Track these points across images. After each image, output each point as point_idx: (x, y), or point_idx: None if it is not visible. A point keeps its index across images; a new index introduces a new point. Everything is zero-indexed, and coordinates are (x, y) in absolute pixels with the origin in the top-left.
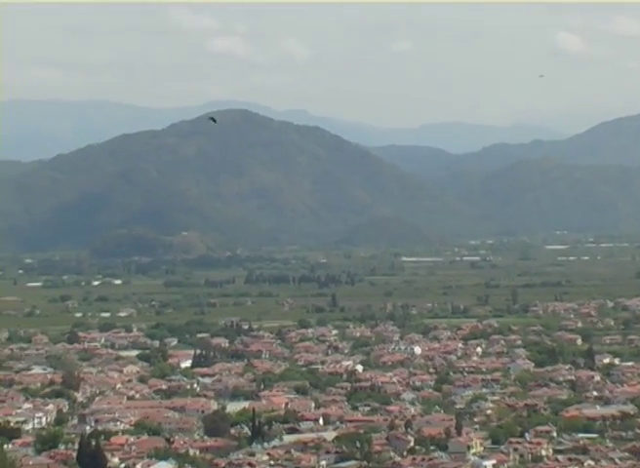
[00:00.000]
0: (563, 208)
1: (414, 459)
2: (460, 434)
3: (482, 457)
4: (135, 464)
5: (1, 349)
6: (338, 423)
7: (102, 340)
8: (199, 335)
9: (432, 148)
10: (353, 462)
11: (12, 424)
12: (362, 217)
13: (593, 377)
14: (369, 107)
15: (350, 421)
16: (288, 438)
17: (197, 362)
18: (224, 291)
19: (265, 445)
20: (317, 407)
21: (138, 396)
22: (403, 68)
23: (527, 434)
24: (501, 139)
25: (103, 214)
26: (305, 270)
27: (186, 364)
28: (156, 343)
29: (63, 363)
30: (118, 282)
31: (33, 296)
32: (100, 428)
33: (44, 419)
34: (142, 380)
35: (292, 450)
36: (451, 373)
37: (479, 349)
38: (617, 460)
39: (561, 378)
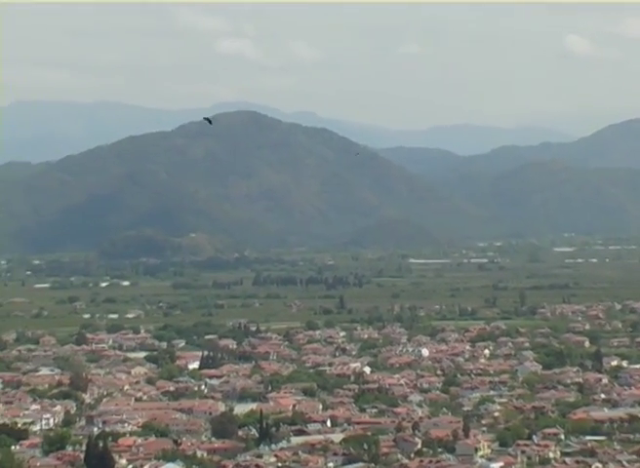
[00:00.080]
0: (571, 210)
1: (421, 461)
2: (467, 436)
3: (489, 460)
4: (142, 466)
5: (9, 350)
6: (345, 425)
7: (110, 342)
8: (207, 337)
9: (440, 150)
10: (361, 464)
11: (19, 425)
12: (370, 219)
13: (601, 380)
14: (377, 109)
15: (358, 423)
16: (295, 440)
17: (205, 363)
18: (232, 292)
19: (273, 446)
20: (325, 408)
21: (145, 397)
22: (411, 70)
23: (534, 436)
24: (510, 141)
25: (112, 215)
26: (313, 272)
27: (194, 365)
28: (164, 345)
29: (71, 364)
30: (126, 283)
31: (41, 298)
32: (107, 429)
33: (52, 421)
34: (150, 382)
35: (299, 452)
36: (458, 376)
37: (487, 351)
38: (624, 463)
39: (569, 381)
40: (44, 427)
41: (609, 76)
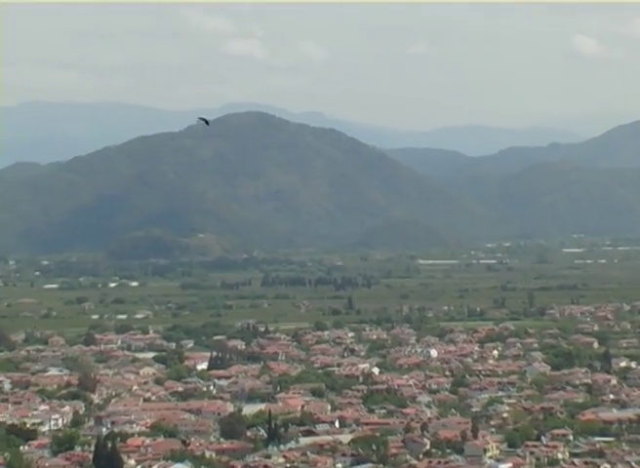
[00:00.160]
0: (580, 211)
1: (430, 462)
2: (476, 437)
3: (498, 461)
4: (151, 466)
5: (18, 351)
6: (354, 426)
7: (119, 342)
8: (215, 338)
9: (449, 151)
10: (369, 465)
11: (28, 426)
12: (378, 220)
13: (610, 381)
14: (385, 110)
15: (366, 424)
16: (304, 440)
17: (213, 364)
18: (241, 293)
19: (281, 447)
20: (333, 409)
21: (154, 398)
22: (420, 71)
23: (543, 437)
24: (518, 142)
25: (120, 216)
26: (322, 272)
27: (202, 366)
28: (172, 345)
29: (80, 365)
30: (135, 284)
31: (50, 298)
32: (116, 430)
33: (60, 421)
34: (159, 382)
35: (308, 453)
36: (467, 376)
37: (495, 352)
38: (633, 464)
39: (577, 382)
40: (53, 427)
41: (617, 76)
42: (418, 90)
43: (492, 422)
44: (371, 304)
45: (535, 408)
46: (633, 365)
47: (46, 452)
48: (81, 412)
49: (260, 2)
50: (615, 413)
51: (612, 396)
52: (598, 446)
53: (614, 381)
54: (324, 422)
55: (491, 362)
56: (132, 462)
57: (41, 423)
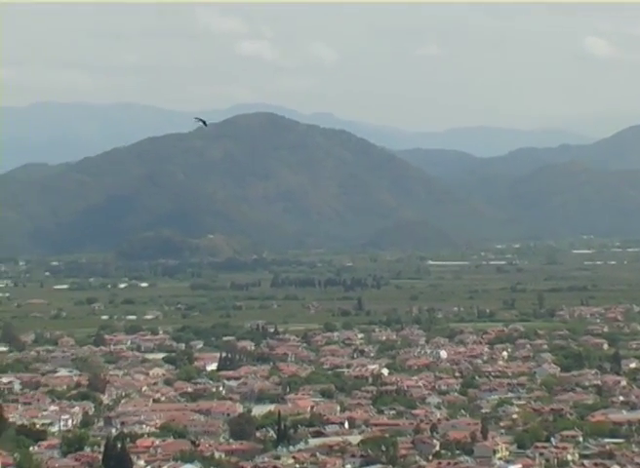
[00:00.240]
0: (590, 212)
1: (439, 463)
2: (485, 438)
3: (508, 462)
4: (160, 467)
5: (28, 351)
6: (363, 427)
7: (128, 343)
8: (225, 338)
9: (459, 152)
10: (378, 466)
11: (38, 426)
12: (388, 221)
13: (619, 382)
14: (395, 111)
15: (376, 425)
16: (313, 441)
17: (223, 365)
18: (250, 294)
19: (291, 448)
20: (343, 410)
21: (163, 399)
22: (429, 72)
23: (553, 439)
24: (528, 144)
25: (130, 216)
26: (331, 273)
27: (212, 367)
28: (182, 346)
29: (89, 365)
30: (144, 284)
31: (60, 299)
32: (125, 431)
33: (70, 422)
34: (168, 383)
35: (317, 454)
36: (477, 378)
37: (505, 353)
38: None
39: (587, 383)
40: (62, 428)
41: (628, 78)
42: (427, 91)
43: (501, 423)
44: (380, 305)
45: (544, 409)
46: None
47: (56, 453)
48: (91, 413)
49: (270, 3)
50: (624, 415)
51: (621, 397)
52: (608, 447)
53: (623, 383)
54: (333, 423)
55: (500, 363)
56: (141, 463)
57: (51, 424)
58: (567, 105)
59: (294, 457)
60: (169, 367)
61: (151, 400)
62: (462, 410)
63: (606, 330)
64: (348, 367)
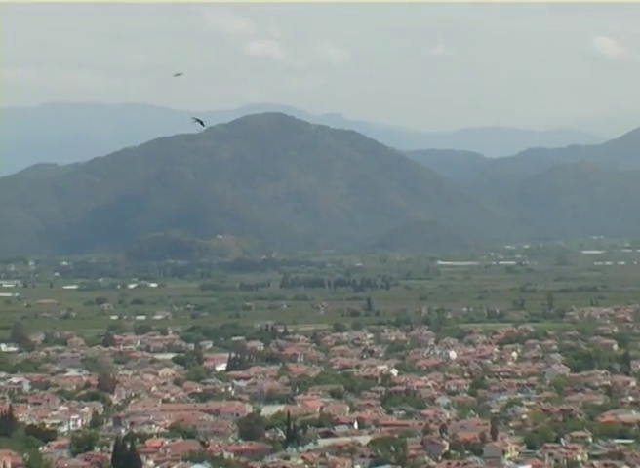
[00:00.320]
0: (600, 212)
1: (448, 464)
2: (495, 439)
3: (517, 462)
4: (170, 467)
5: (37, 351)
6: (372, 427)
7: (138, 343)
8: (234, 339)
9: (469, 152)
10: (388, 466)
11: (47, 426)
12: (398, 221)
13: (629, 383)
14: (405, 111)
15: (385, 425)
16: (323, 442)
17: (232, 365)
18: (260, 294)
19: (300, 448)
20: (352, 410)
21: (173, 399)
22: (440, 72)
23: (562, 439)
24: (538, 144)
25: (140, 217)
26: (341, 274)
27: (221, 367)
28: (191, 346)
29: (99, 365)
30: (154, 285)
31: (69, 299)
32: (135, 431)
33: (79, 422)
34: (178, 383)
35: (326, 454)
36: (486, 378)
37: (514, 354)
38: None
39: (597, 384)
40: (72, 428)
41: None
42: (437, 91)
43: (511, 424)
44: (390, 306)
45: (554, 409)
46: None
47: (65, 453)
48: (100, 413)
49: (279, 3)
50: (634, 415)
51: (631, 398)
52: (617, 448)
53: (633, 383)
54: (343, 424)
55: (510, 363)
56: (150, 463)
57: (60, 424)
58: (577, 106)
59: (303, 458)
60: (178, 367)
61: (160, 400)
62: (472, 411)
63: (616, 330)
64: (358, 367)
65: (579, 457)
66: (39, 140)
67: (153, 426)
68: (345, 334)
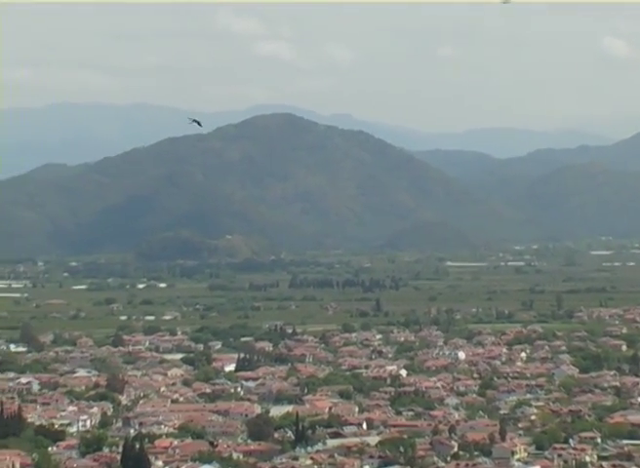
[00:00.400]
0: (608, 213)
1: (457, 465)
2: (503, 439)
3: (526, 463)
4: (178, 467)
5: (46, 352)
6: (381, 428)
7: (147, 343)
8: (243, 339)
9: (477, 153)
10: (396, 467)
11: (56, 427)
12: (406, 222)
13: (638, 384)
14: (413, 112)
15: (394, 426)
16: (331, 442)
17: (241, 365)
18: (269, 294)
19: (309, 449)
20: (361, 411)
21: (182, 399)
22: (448, 72)
23: (571, 440)
24: (547, 145)
25: (149, 217)
26: (350, 274)
27: (230, 367)
28: (200, 347)
29: (108, 366)
30: (163, 285)
31: (78, 299)
32: (144, 431)
33: (88, 422)
34: (186, 384)
35: (335, 455)
36: (495, 379)
37: (523, 354)
38: None
39: (606, 384)
40: (81, 428)
41: None
42: (446, 91)
43: (520, 425)
44: (399, 306)
45: (563, 410)
46: None
47: (74, 453)
48: (109, 414)
49: (288, 3)
50: None
51: None
52: (626, 448)
53: None
54: (351, 424)
55: (519, 364)
56: (159, 463)
57: (69, 424)
58: (586, 106)
59: (312, 458)
60: (187, 367)
61: (169, 400)
62: (481, 412)
63: (624, 331)
64: (366, 367)
65: (587, 458)
66: (48, 141)
67: (162, 426)
68: (354, 335)
